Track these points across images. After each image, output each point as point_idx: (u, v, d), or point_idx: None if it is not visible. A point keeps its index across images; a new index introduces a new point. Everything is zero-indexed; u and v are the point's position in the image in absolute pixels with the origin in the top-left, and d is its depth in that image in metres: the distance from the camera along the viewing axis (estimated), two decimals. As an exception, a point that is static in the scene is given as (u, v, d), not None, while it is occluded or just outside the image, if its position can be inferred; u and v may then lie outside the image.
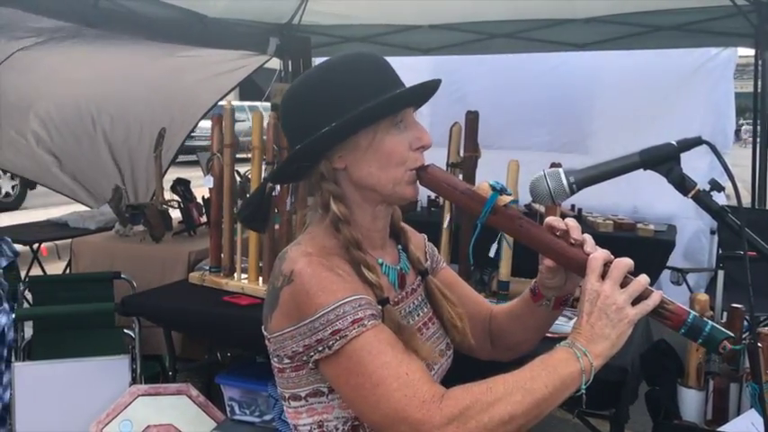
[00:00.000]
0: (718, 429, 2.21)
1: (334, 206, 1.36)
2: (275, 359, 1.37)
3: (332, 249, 1.35)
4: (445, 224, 2.90)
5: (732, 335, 1.24)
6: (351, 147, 1.34)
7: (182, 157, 6.81)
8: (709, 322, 1.24)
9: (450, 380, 1.44)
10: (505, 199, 1.35)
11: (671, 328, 1.26)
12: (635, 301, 1.25)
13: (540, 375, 1.21)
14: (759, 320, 3.51)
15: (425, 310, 1.52)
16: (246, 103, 17.07)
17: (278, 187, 3.06)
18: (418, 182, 1.38)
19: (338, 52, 1.44)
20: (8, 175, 10.89)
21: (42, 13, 3.92)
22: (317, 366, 1.29)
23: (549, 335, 1.60)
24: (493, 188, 1.34)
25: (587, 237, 1.33)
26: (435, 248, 1.71)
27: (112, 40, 4.74)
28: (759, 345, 2.15)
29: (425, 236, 1.70)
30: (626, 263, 1.27)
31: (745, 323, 2.43)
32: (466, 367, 1.56)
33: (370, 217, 1.42)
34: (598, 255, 1.29)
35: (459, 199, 1.39)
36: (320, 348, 1.25)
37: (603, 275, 1.26)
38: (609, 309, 1.23)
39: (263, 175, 3.18)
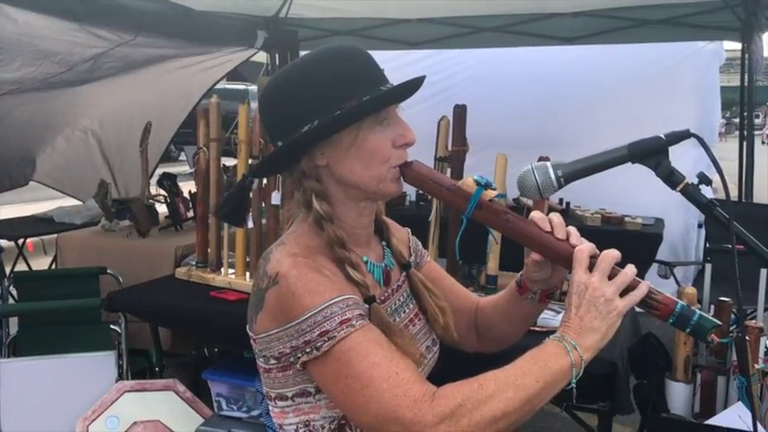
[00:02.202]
0: (706, 422, 2.22)
1: (317, 204, 1.34)
2: (261, 359, 1.34)
3: (316, 248, 1.33)
4: (431, 217, 2.89)
5: (720, 323, 1.24)
6: (333, 144, 1.31)
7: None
8: (697, 311, 1.24)
9: (437, 375, 1.43)
10: (491, 193, 1.33)
11: (659, 318, 1.25)
12: (623, 293, 1.24)
13: (530, 371, 1.20)
14: (746, 313, 3.52)
15: (411, 306, 1.51)
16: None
17: (264, 181, 3.05)
18: (402, 178, 1.36)
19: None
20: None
21: (27, 8, 3.87)
22: (304, 368, 1.26)
23: (537, 329, 1.59)
24: (477, 183, 1.33)
25: (572, 229, 1.33)
26: (419, 243, 1.69)
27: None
28: (746, 338, 2.16)
29: (409, 230, 1.68)
30: (613, 255, 1.26)
31: (733, 316, 2.44)
32: (453, 362, 1.55)
33: (353, 214, 1.39)
34: (584, 247, 1.28)
35: (443, 195, 1.37)
36: (308, 350, 1.23)
37: (591, 268, 1.26)
38: (597, 301, 1.23)
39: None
